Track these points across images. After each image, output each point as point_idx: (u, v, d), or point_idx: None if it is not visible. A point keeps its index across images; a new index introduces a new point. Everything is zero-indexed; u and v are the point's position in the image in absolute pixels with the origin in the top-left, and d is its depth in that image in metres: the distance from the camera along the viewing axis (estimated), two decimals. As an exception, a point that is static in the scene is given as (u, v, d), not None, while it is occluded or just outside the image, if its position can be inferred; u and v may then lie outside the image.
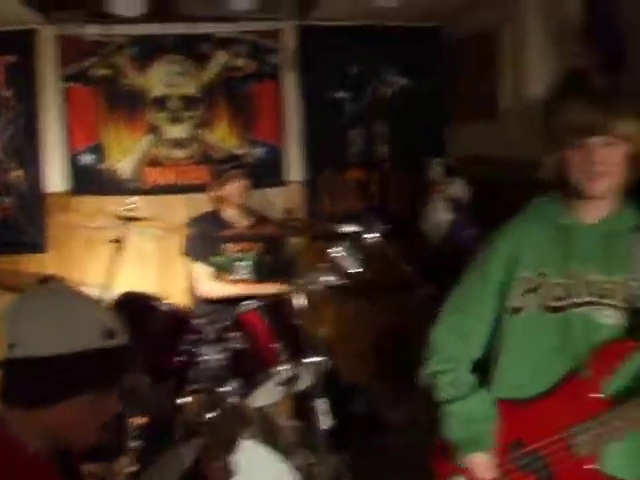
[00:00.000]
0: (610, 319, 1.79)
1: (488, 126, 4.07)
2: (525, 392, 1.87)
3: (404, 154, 4.77)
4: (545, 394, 1.84)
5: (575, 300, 1.82)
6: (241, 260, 3.88)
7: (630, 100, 1.82)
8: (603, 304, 1.80)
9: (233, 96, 4.53)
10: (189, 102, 4.51)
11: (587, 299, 1.81)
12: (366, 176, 4.80)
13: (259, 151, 4.59)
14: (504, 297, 1.89)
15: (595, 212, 1.84)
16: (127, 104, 4.43)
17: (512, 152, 3.84)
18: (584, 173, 1.77)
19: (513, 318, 1.87)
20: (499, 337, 1.91)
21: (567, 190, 1.85)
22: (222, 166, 3.86)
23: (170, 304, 3.15)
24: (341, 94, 4.66)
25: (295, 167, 4.68)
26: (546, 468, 1.80)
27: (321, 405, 2.49)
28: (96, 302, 1.58)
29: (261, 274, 3.90)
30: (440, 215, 4.32)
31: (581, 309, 1.81)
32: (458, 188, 4.36)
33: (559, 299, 1.82)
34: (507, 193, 4.05)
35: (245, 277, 3.87)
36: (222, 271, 3.84)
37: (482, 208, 4.25)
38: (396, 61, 4.69)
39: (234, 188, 3.81)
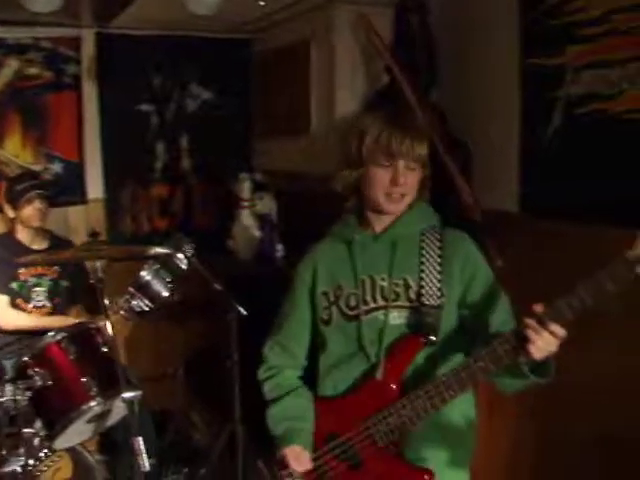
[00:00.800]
0: (398, 319, 1.99)
1: (301, 141, 4.06)
2: (338, 390, 2.10)
3: (209, 169, 4.68)
4: (352, 391, 2.06)
5: (366, 307, 2.02)
6: (38, 285, 3.62)
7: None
8: (392, 306, 2.00)
9: (26, 107, 4.19)
10: (-24, 115, 4.12)
11: (378, 304, 2.02)
12: (170, 192, 4.65)
13: (57, 167, 4.29)
14: (316, 312, 2.15)
15: (385, 223, 2.07)
16: None
17: (325, 168, 3.86)
18: (385, 192, 1.99)
19: (324, 328, 2.12)
20: (317, 345, 2.18)
21: (360, 204, 2.08)
22: (17, 185, 3.57)
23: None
24: (145, 107, 4.48)
25: (96, 183, 4.43)
26: (357, 456, 2.01)
27: (138, 444, 2.32)
28: None
29: (60, 300, 3.67)
30: (249, 231, 4.27)
31: (373, 314, 2.02)
32: (267, 204, 4.32)
33: (354, 308, 2.04)
34: (317, 207, 4.09)
35: (42, 304, 3.63)
36: (18, 298, 3.57)
37: (291, 223, 4.27)
38: (202, 74, 4.58)
39: (31, 210, 3.55)
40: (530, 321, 1.72)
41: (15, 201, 3.53)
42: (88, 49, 4.31)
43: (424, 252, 2.01)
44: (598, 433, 2.54)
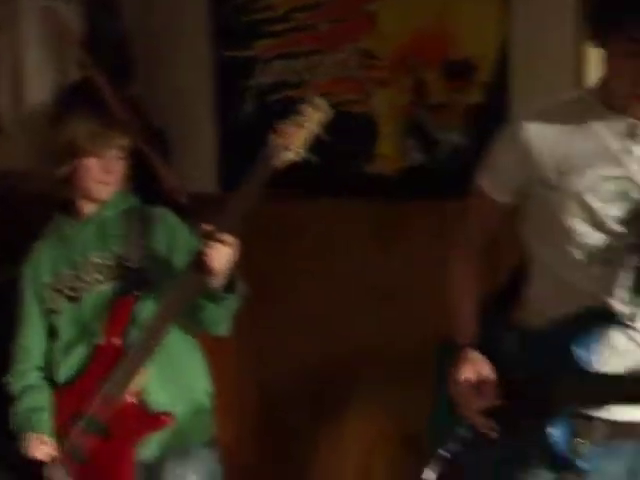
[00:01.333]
0: (111, 290, 2.18)
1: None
2: (75, 372, 2.22)
3: None
4: (85, 367, 2.20)
5: (86, 285, 2.19)
6: None
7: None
8: (107, 280, 2.19)
9: None
10: None
11: (95, 281, 2.20)
12: None
13: None
14: (45, 306, 2.27)
15: (93, 208, 2.26)
16: None
17: (19, 164, 3.81)
18: (97, 181, 2.20)
19: (54, 317, 2.26)
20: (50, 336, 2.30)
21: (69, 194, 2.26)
22: None
23: None
24: None
25: None
26: (101, 423, 2.12)
27: None
28: None
29: None
30: None
31: (92, 292, 2.20)
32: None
33: (75, 290, 2.21)
34: (18, 206, 4.02)
35: None
36: None
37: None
38: None
39: None
40: (201, 237, 1.98)
41: None
42: None
43: (127, 228, 2.23)
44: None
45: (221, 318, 2.16)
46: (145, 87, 3.39)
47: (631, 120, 1.57)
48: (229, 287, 2.05)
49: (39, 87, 3.69)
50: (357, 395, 2.99)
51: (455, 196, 2.50)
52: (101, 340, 2.16)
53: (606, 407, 1.59)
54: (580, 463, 1.59)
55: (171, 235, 2.25)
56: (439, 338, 1.90)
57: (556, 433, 1.58)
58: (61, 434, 2.19)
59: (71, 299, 2.23)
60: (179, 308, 2.07)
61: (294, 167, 2.03)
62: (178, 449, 2.22)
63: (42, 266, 2.28)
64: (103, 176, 2.20)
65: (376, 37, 2.76)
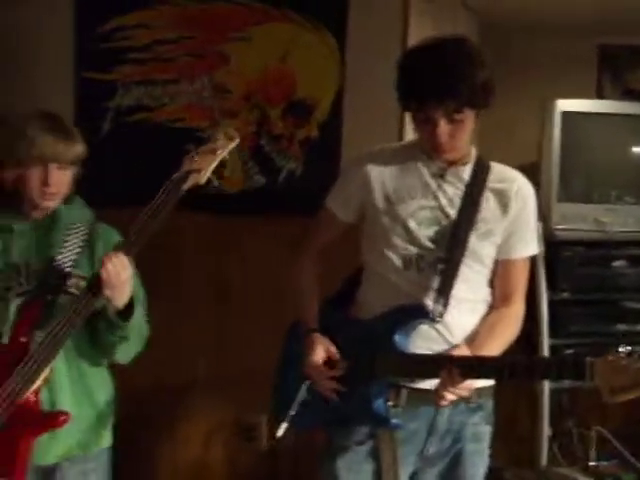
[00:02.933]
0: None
1: None
2: None
3: None
4: None
5: (17, 287, 2.23)
6: None
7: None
8: (35, 282, 2.22)
9: None
10: None
11: (27, 282, 2.23)
12: None
13: None
14: None
15: (33, 214, 2.26)
16: None
17: None
18: (39, 191, 2.17)
19: None
20: None
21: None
22: None
23: None
24: None
25: None
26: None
27: None
28: None
29: None
30: None
31: (21, 293, 2.22)
32: None
33: (9, 289, 2.24)
34: None
35: None
36: None
37: None
38: None
39: None
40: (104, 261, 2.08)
41: None
42: None
43: (69, 239, 2.27)
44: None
45: (115, 346, 2.22)
46: (4, 100, 3.67)
47: (441, 164, 2.18)
48: (126, 313, 2.13)
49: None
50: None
51: (289, 213, 3.10)
52: (6, 339, 2.21)
53: (412, 379, 2.16)
54: (393, 421, 2.15)
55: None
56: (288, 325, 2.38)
57: (376, 398, 2.13)
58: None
59: (1, 298, 2.24)
60: (76, 323, 2.13)
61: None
62: (78, 454, 2.29)
63: None
64: (43, 188, 2.18)
65: (228, 73, 3.26)
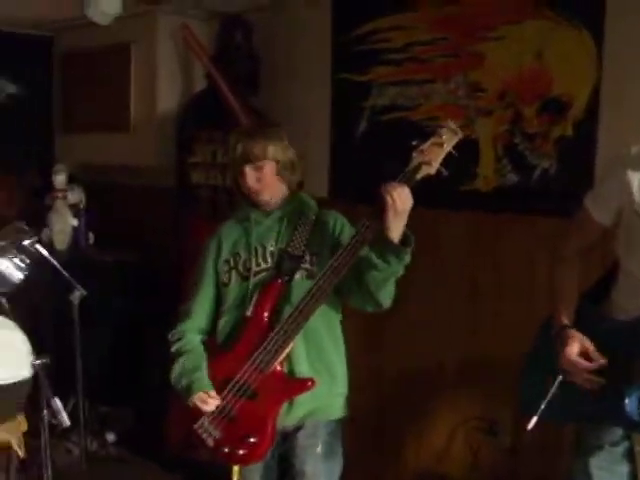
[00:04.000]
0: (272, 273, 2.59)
1: (119, 136, 4.61)
2: (230, 340, 2.61)
3: (14, 161, 5.00)
4: (237, 336, 2.59)
5: (256, 268, 2.61)
6: None
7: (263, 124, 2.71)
8: (272, 264, 2.58)
9: None
10: None
11: (263, 263, 2.60)
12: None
13: None
14: (219, 278, 2.67)
15: (270, 206, 2.65)
16: None
17: (143, 161, 4.49)
18: (247, 190, 2.62)
19: (224, 290, 2.66)
20: (219, 308, 2.70)
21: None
22: None
23: None
24: (-50, 98, 4.73)
25: None
26: (250, 388, 2.50)
27: (56, 404, 2.78)
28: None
29: None
30: (64, 220, 4.73)
31: (261, 275, 2.59)
32: (77, 195, 4.82)
33: (247, 270, 2.62)
34: (127, 198, 4.70)
35: None
36: None
37: (102, 212, 4.82)
38: (7, 68, 4.91)
39: None
40: (382, 187, 2.30)
41: None
42: None
43: (300, 223, 2.64)
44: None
45: (387, 280, 2.43)
46: (267, 100, 4.03)
47: None
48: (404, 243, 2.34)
49: (169, 95, 4.37)
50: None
51: (542, 212, 3.15)
52: (250, 314, 2.55)
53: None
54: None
55: (338, 229, 2.62)
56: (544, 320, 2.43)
57: (630, 400, 2.14)
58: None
59: (242, 278, 2.61)
60: (330, 286, 2.40)
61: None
62: (312, 422, 2.59)
63: (224, 244, 2.67)
64: (247, 187, 2.59)
65: (483, 72, 3.34)
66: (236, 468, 2.72)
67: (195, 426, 2.58)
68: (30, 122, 5.08)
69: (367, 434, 2.71)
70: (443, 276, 3.52)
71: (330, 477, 2.69)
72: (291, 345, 2.50)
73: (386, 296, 2.50)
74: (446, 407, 3.61)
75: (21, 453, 2.13)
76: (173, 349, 2.68)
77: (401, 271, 2.42)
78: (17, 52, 4.96)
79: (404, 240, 2.35)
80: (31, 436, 2.33)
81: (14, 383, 1.54)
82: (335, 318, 2.66)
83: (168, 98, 4.37)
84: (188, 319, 2.70)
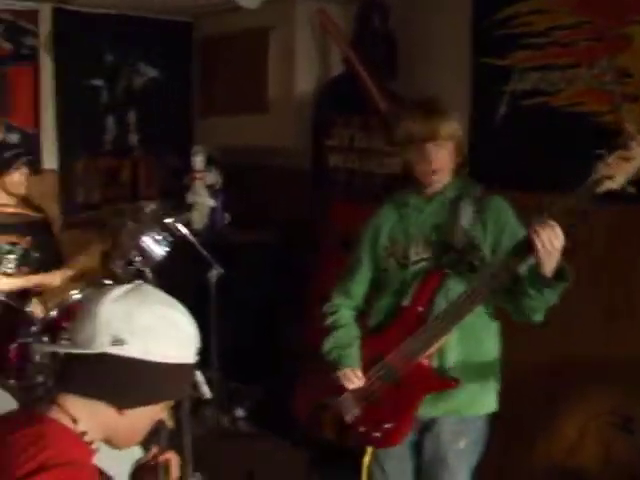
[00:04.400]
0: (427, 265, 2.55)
1: (257, 118, 4.74)
2: (383, 324, 2.64)
3: (154, 143, 5.24)
4: (391, 322, 2.61)
5: (414, 256, 2.57)
6: (10, 253, 4.02)
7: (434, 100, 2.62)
8: (432, 254, 2.54)
9: (-13, 78, 4.52)
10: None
11: (424, 255, 2.56)
12: (119, 164, 5.17)
13: (15, 137, 4.68)
14: (377, 263, 2.68)
15: (432, 190, 2.60)
16: None
17: (281, 142, 4.59)
18: (420, 170, 2.55)
19: (382, 275, 2.67)
20: (373, 291, 2.73)
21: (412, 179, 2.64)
22: (5, 153, 3.99)
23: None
24: (97, 81, 4.97)
25: (50, 154, 4.87)
26: (396, 374, 2.53)
27: (198, 377, 2.93)
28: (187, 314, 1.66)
29: (28, 269, 4.05)
30: (202, 201, 4.91)
31: (420, 264, 2.56)
32: (214, 176, 4.99)
33: (406, 258, 2.59)
34: (264, 179, 4.82)
35: (11, 271, 4.00)
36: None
37: (238, 193, 4.98)
38: (149, 52, 5.13)
39: (18, 177, 3.95)
40: (533, 222, 2.22)
41: (3, 168, 3.93)
42: (45, 23, 4.73)
43: (462, 212, 2.53)
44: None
45: (540, 306, 2.39)
46: (404, 84, 4.04)
47: None
48: (558, 276, 2.26)
49: (307, 78, 4.45)
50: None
51: None
52: (407, 303, 2.54)
53: None
54: None
55: (500, 221, 2.51)
56: None
57: None
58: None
59: (400, 265, 2.58)
60: (488, 291, 2.37)
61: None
62: (459, 416, 2.58)
63: (382, 229, 2.64)
64: (424, 165, 2.51)
65: (630, 56, 3.24)
66: (370, 449, 2.77)
67: (338, 400, 2.64)
68: (170, 105, 5.28)
69: (498, 427, 2.69)
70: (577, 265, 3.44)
71: (469, 473, 2.67)
72: (443, 339, 2.49)
73: (539, 316, 2.45)
74: (578, 401, 3.55)
75: (170, 424, 2.24)
76: (328, 321, 2.73)
77: (556, 300, 2.36)
78: (158, 37, 5.18)
79: (560, 272, 2.27)
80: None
81: (177, 364, 1.59)
82: (493, 313, 2.61)
83: (305, 81, 4.45)
84: (345, 297, 2.76)
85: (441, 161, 2.53)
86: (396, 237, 2.62)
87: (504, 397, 2.68)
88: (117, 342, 1.52)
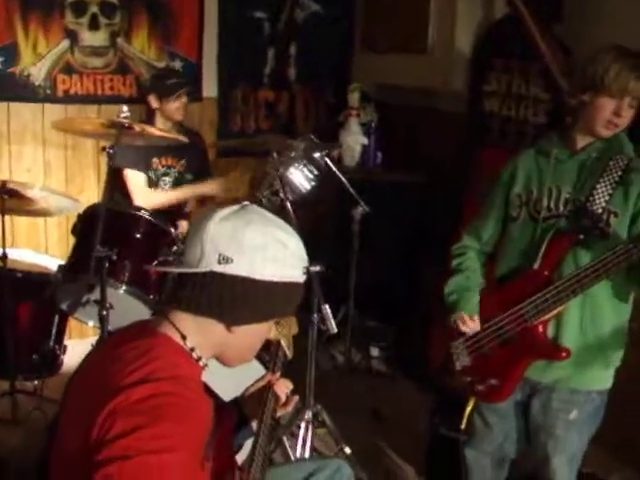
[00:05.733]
0: (565, 226, 2.46)
1: (416, 58, 4.73)
2: (506, 277, 2.61)
3: (313, 78, 5.34)
4: (515, 278, 2.57)
5: (548, 213, 2.50)
6: (165, 175, 4.26)
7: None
8: (566, 214, 2.45)
9: (154, 5, 4.75)
10: (108, 8, 4.65)
11: (558, 212, 2.48)
12: (276, 96, 5.31)
13: (178, 65, 4.88)
14: (509, 209, 2.63)
15: (581, 143, 2.48)
16: (42, 5, 4.49)
17: (437, 84, 4.57)
18: (605, 121, 2.38)
19: (511, 224, 2.62)
20: (502, 239, 2.70)
21: (569, 124, 2.52)
22: (168, 80, 4.20)
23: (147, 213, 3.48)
24: (260, 14, 5.09)
25: (211, 83, 5.05)
26: (508, 333, 2.53)
27: (326, 310, 3.03)
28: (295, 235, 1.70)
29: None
30: (355, 138, 4.98)
31: (551, 220, 2.48)
32: (369, 113, 5.04)
33: (537, 212, 2.52)
34: (417, 120, 4.81)
35: None
36: (150, 186, 4.20)
37: (391, 133, 5.01)
38: (314, -14, 5.19)
39: (178, 104, 4.15)
40: None
41: (165, 94, 4.14)
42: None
43: (605, 174, 2.41)
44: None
45: None
46: (571, 29, 3.90)
47: None
48: None
49: (468, 20, 4.38)
50: None
51: None
52: (536, 264, 2.47)
53: None
54: None
55: None
56: None
57: None
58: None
59: (531, 217, 2.53)
60: (619, 265, 2.26)
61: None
62: (570, 387, 2.53)
63: (519, 175, 2.58)
64: (612, 117, 2.36)
65: None
66: (472, 400, 2.77)
67: (452, 344, 2.67)
68: (330, 40, 5.33)
69: (614, 400, 2.63)
70: None
71: (580, 447, 2.63)
72: (561, 307, 2.43)
73: None
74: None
75: (289, 354, 2.33)
76: (454, 263, 2.74)
77: None
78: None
79: None
80: (300, 338, 2.56)
81: (284, 283, 1.66)
82: (623, 284, 2.47)
83: (467, 23, 4.37)
84: (474, 239, 2.76)
85: (627, 120, 2.41)
86: (531, 187, 2.56)
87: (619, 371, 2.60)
88: (224, 260, 1.57)
